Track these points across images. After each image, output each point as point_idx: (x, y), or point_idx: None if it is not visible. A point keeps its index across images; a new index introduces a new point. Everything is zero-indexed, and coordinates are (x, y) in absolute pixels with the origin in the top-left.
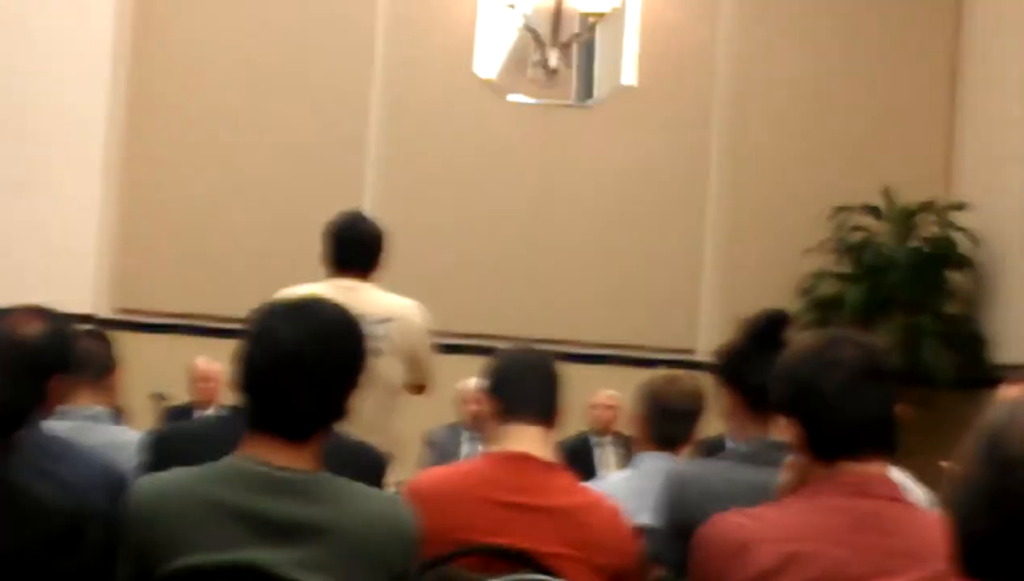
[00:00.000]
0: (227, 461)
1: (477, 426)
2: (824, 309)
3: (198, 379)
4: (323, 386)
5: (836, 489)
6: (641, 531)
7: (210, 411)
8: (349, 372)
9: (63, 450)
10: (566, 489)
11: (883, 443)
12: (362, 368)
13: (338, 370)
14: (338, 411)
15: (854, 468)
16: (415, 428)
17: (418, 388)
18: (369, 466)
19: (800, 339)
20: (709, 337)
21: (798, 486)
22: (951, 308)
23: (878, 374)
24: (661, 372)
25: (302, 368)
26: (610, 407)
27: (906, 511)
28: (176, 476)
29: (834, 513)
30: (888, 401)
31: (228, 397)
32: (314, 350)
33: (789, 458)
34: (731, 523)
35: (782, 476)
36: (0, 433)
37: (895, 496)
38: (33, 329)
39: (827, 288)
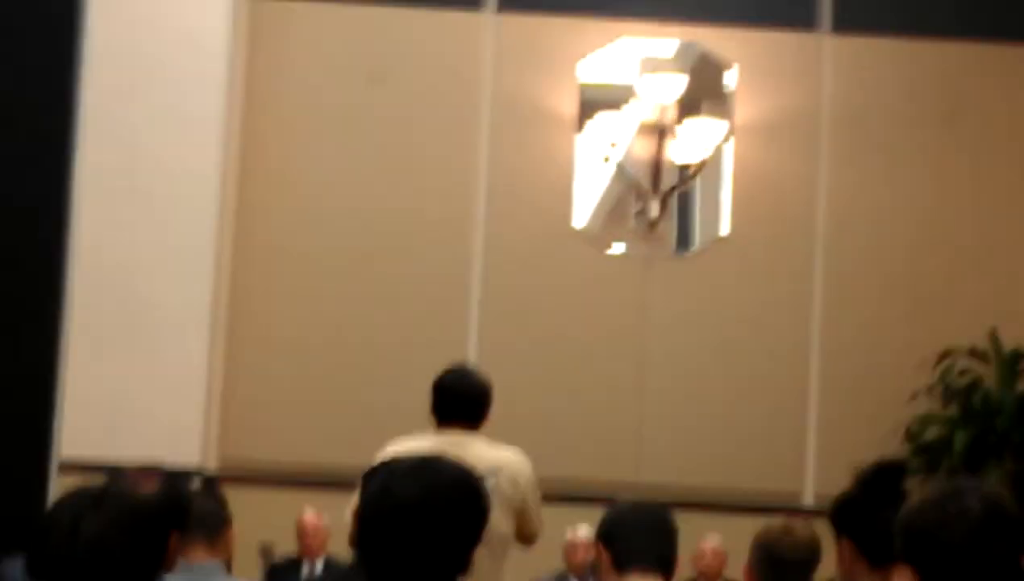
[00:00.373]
0: None
1: (585, 575)
2: (931, 454)
3: (305, 533)
4: (444, 544)
5: None
6: None
7: (318, 564)
8: (470, 531)
9: None
10: None
11: None
12: (483, 526)
13: (459, 530)
14: (459, 567)
15: None
16: (521, 579)
17: (527, 538)
18: None
19: (923, 489)
20: (816, 482)
21: None
22: None
23: (1003, 524)
24: (775, 521)
25: (423, 526)
26: (716, 554)
27: None
28: None
29: None
30: (1014, 550)
31: (337, 550)
32: (438, 509)
33: None
34: None
35: None
36: None
37: None
38: (151, 488)
39: (934, 433)
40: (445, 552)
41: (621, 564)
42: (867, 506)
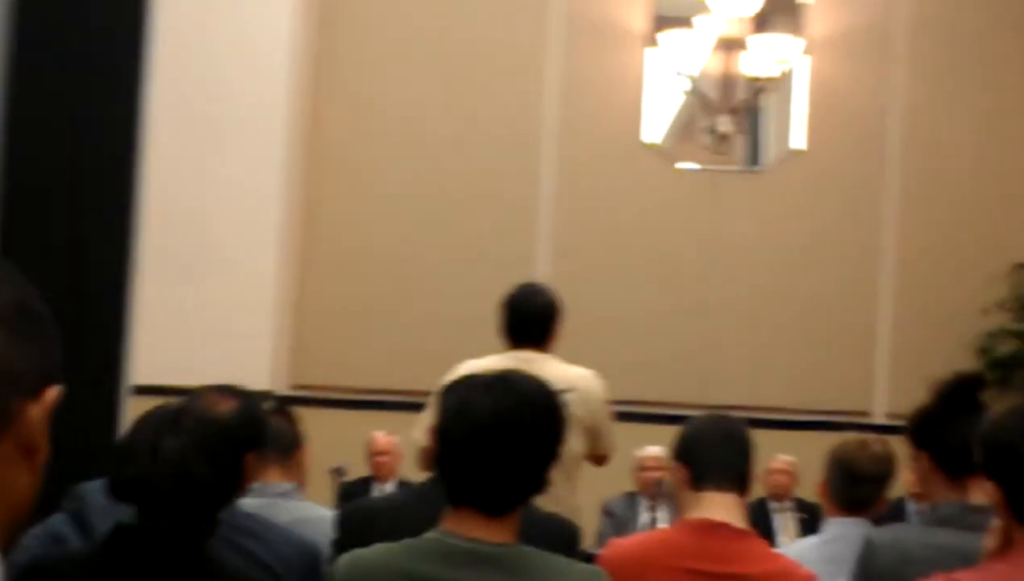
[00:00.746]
0: (428, 536)
1: (655, 494)
2: (1004, 369)
3: (377, 453)
4: (524, 460)
5: None
6: None
7: (389, 485)
8: (549, 445)
9: (261, 528)
10: (761, 556)
11: None
12: (562, 440)
13: (539, 444)
14: (538, 484)
15: None
16: (590, 498)
17: (599, 459)
18: (563, 538)
19: (1003, 402)
20: (885, 399)
21: (1002, 550)
22: None
23: None
24: (850, 436)
25: (505, 443)
26: (787, 472)
27: None
28: (378, 552)
29: None
30: None
31: (407, 471)
32: (516, 424)
33: (994, 522)
34: None
35: (986, 540)
36: (203, 511)
37: None
38: (227, 408)
39: (1006, 347)
40: (524, 468)
41: (697, 481)
42: (945, 419)
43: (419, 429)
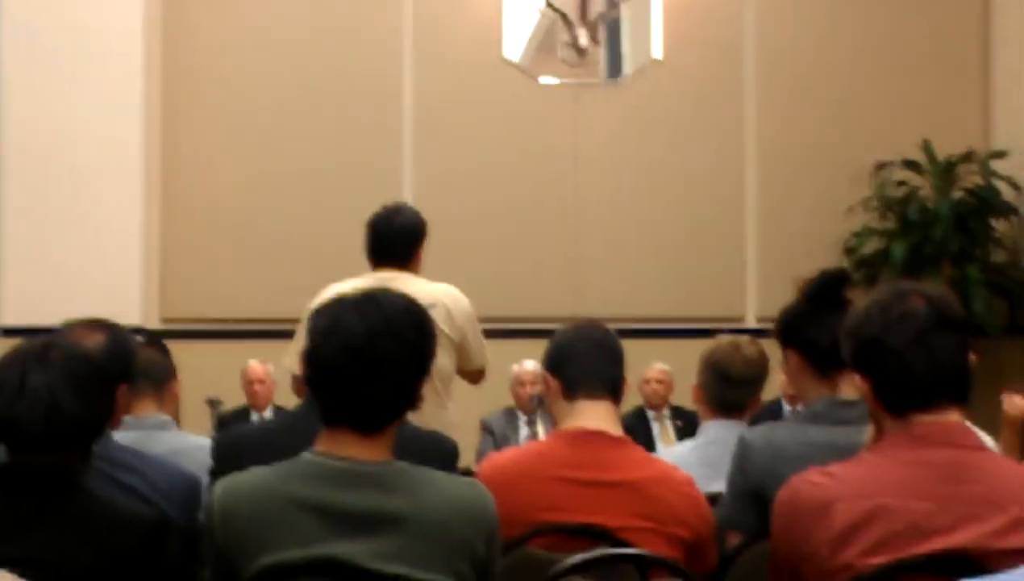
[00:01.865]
0: (304, 457)
1: (533, 409)
2: (870, 267)
3: (253, 382)
4: (396, 376)
5: (913, 442)
6: (713, 499)
7: (267, 413)
8: (420, 360)
9: (137, 460)
10: (638, 462)
11: (957, 393)
12: (432, 355)
13: (410, 359)
14: (410, 401)
15: (930, 419)
16: (470, 415)
17: (472, 374)
18: (441, 454)
19: (867, 295)
20: (757, 304)
21: (873, 440)
22: (997, 257)
23: (948, 324)
24: (723, 339)
25: (375, 359)
26: (663, 381)
27: (984, 459)
28: (254, 476)
29: (913, 466)
30: (960, 350)
31: (283, 398)
32: (386, 340)
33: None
34: (810, 483)
35: (868, 434)
36: (75, 446)
37: (974, 444)
38: (96, 341)
39: (871, 245)
40: (395, 384)
41: (570, 390)
42: (811, 316)
43: (290, 356)
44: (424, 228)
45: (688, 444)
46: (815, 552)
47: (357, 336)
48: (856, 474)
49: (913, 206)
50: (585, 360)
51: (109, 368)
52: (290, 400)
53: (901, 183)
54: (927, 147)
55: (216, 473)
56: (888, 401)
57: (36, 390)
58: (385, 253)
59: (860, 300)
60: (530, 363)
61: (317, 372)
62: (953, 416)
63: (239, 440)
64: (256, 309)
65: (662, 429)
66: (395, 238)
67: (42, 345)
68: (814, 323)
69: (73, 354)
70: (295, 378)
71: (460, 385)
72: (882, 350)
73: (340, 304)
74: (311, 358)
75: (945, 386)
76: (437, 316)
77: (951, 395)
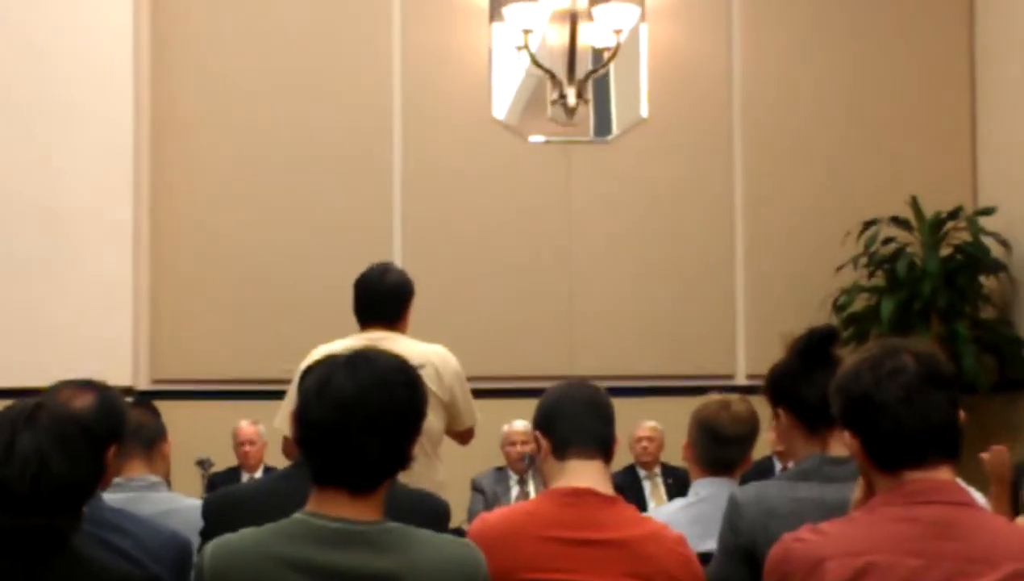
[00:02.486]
0: (295, 518)
1: (524, 468)
2: (859, 323)
3: (243, 442)
4: (388, 435)
5: (904, 499)
6: (705, 557)
7: (257, 474)
8: (412, 419)
9: (127, 522)
10: (629, 521)
11: (948, 449)
12: (423, 414)
13: (401, 417)
14: (402, 460)
15: (921, 476)
16: (460, 475)
17: (462, 435)
18: (433, 514)
19: (856, 352)
20: (747, 361)
21: (864, 498)
22: (986, 313)
23: (938, 381)
24: (712, 397)
25: (366, 417)
26: (653, 439)
27: (976, 515)
28: (245, 537)
29: (904, 523)
30: (950, 407)
31: (273, 459)
32: (377, 399)
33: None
34: (801, 541)
35: (855, 492)
36: (65, 508)
37: (965, 501)
38: (86, 402)
39: (861, 303)
40: (387, 443)
41: (560, 449)
42: (799, 374)
43: (280, 417)
44: (412, 287)
45: (679, 502)
46: None
47: (348, 394)
48: (847, 531)
49: (902, 263)
50: (575, 419)
51: (99, 429)
52: (281, 461)
53: (889, 240)
54: (915, 204)
55: (207, 534)
56: (878, 458)
57: (24, 452)
58: (374, 313)
59: (849, 357)
60: (520, 423)
61: (307, 431)
62: (944, 473)
63: (230, 501)
64: (246, 370)
65: (653, 487)
66: (384, 298)
67: (31, 407)
68: (803, 380)
69: (62, 416)
70: (286, 439)
71: (450, 444)
72: (872, 406)
73: (330, 363)
74: (301, 417)
75: (936, 442)
76: (426, 376)
77: (942, 451)
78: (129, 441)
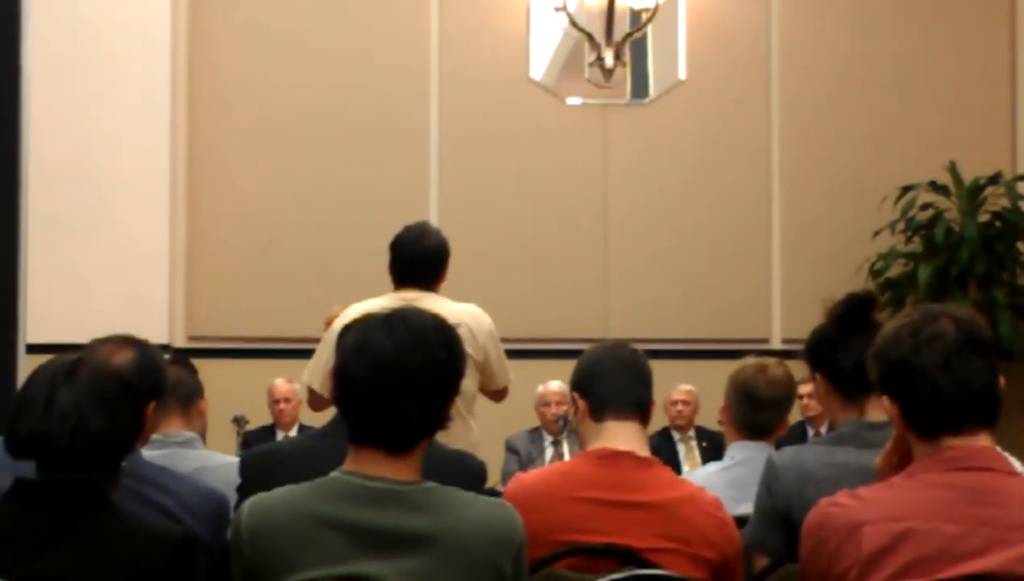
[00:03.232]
0: (332, 477)
1: (558, 429)
2: (895, 289)
3: (278, 400)
4: (425, 395)
5: (942, 465)
6: (740, 521)
7: (291, 432)
8: (449, 379)
9: (165, 477)
10: (665, 484)
11: (987, 416)
12: (461, 374)
13: (439, 378)
14: (439, 420)
15: (959, 443)
16: (494, 436)
17: (495, 394)
18: (469, 474)
19: (895, 317)
20: (783, 325)
21: (902, 464)
22: (1023, 280)
23: (978, 347)
24: (749, 361)
25: (404, 378)
26: (688, 402)
27: (1014, 482)
28: (282, 495)
29: (942, 489)
30: (989, 373)
31: (308, 417)
32: (415, 359)
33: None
34: (839, 506)
35: (878, 459)
36: (104, 463)
37: (1004, 468)
38: (125, 358)
39: (897, 268)
40: (425, 403)
41: (598, 411)
42: (837, 340)
43: (308, 373)
44: (448, 249)
45: (715, 466)
46: (843, 575)
47: (386, 354)
48: (885, 497)
49: (939, 229)
50: (613, 381)
51: (138, 385)
52: (315, 419)
53: (927, 205)
54: (953, 169)
55: (244, 491)
56: (917, 424)
57: (63, 407)
58: (411, 274)
59: (888, 323)
60: (555, 384)
61: (345, 390)
62: (983, 439)
63: (268, 458)
64: (282, 327)
65: (687, 450)
66: (422, 259)
67: (70, 362)
68: (840, 347)
69: (101, 371)
70: (312, 393)
71: (483, 404)
72: (911, 372)
73: (369, 322)
74: (339, 376)
75: (975, 409)
76: (462, 335)
77: (981, 418)
78: (167, 397)
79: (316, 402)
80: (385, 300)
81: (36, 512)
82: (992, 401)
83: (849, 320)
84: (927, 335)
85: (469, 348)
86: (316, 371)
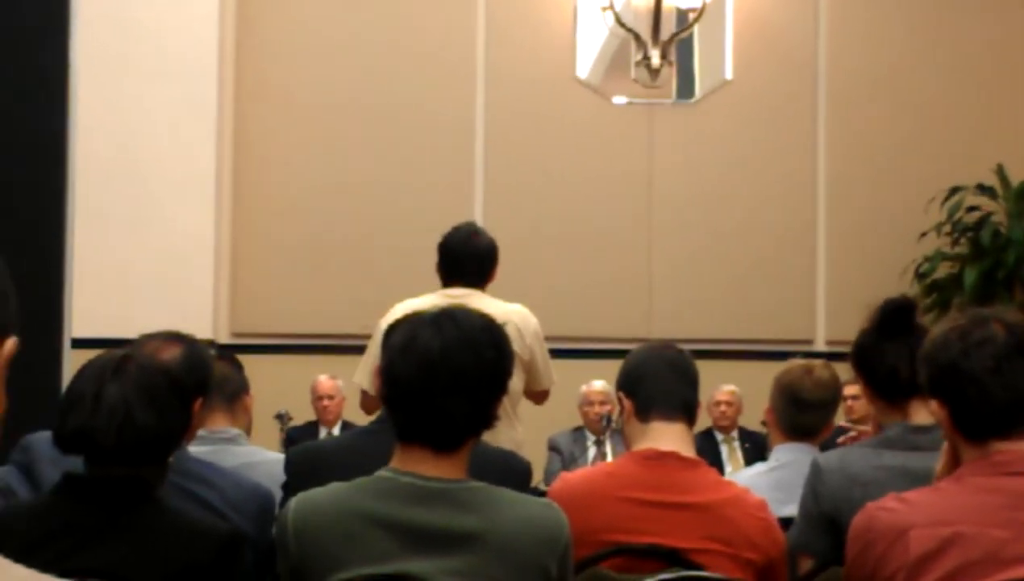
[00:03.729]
0: (379, 474)
1: (602, 428)
2: (941, 291)
3: (322, 397)
4: (473, 394)
5: (990, 469)
6: (785, 523)
7: (335, 429)
8: (496, 379)
9: (210, 473)
10: (711, 485)
11: None
12: (509, 374)
13: (486, 377)
14: (486, 419)
15: (1008, 447)
16: (537, 435)
17: (538, 395)
18: (514, 473)
19: (943, 320)
20: (827, 327)
21: (949, 468)
22: None
23: None
24: (795, 362)
25: (451, 376)
26: (731, 403)
27: None
28: (329, 492)
29: (990, 493)
30: None
31: (351, 414)
32: (463, 358)
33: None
34: (886, 509)
35: (938, 463)
36: (152, 459)
37: None
38: (173, 354)
39: (943, 270)
40: (472, 402)
41: (644, 411)
42: (875, 345)
43: (360, 372)
44: (497, 251)
45: (759, 467)
46: (890, 579)
47: (433, 352)
48: (932, 501)
49: (986, 231)
50: (659, 381)
51: (185, 381)
52: (358, 416)
53: (974, 208)
54: (1001, 172)
55: (289, 488)
56: (965, 427)
57: (111, 403)
58: (460, 272)
59: (937, 326)
60: (599, 383)
61: (392, 388)
62: None
63: (314, 455)
64: (326, 324)
65: (730, 451)
66: (473, 258)
67: (119, 358)
68: (877, 352)
69: (149, 367)
70: (364, 394)
71: (526, 404)
72: (961, 376)
73: (416, 320)
74: (387, 374)
75: (1022, 414)
76: (509, 334)
77: None
78: (213, 394)
79: (368, 403)
80: (434, 298)
81: (83, 507)
82: None
83: (888, 326)
84: (976, 339)
85: (516, 347)
86: (366, 371)
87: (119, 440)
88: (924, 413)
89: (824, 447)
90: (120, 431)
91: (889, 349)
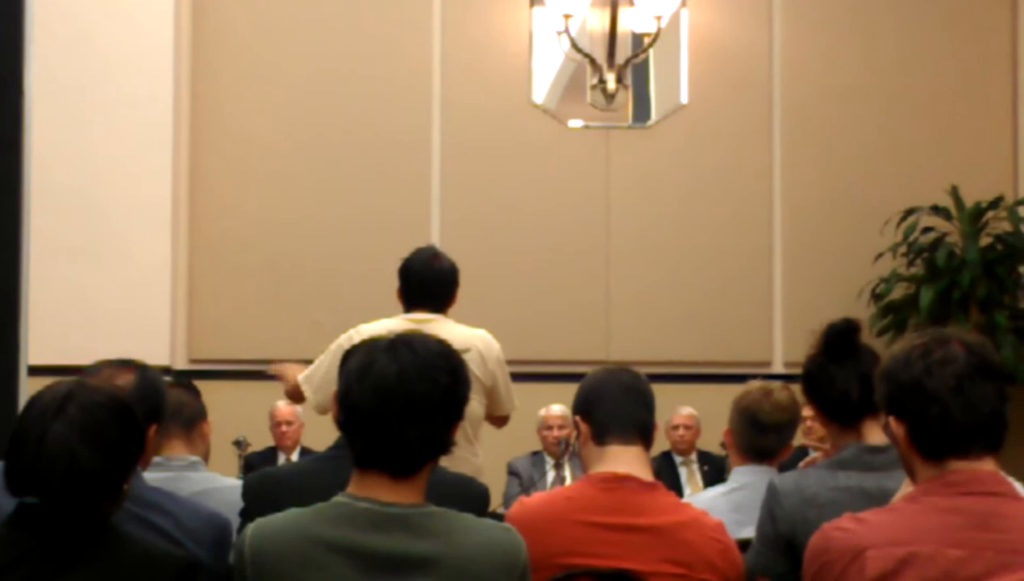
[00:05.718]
0: (336, 500)
1: (560, 452)
2: (898, 312)
3: (280, 423)
4: (429, 420)
5: (947, 489)
6: (743, 545)
7: (293, 455)
8: (453, 405)
9: (167, 501)
10: (668, 507)
11: (993, 441)
12: (465, 400)
13: (442, 403)
14: (443, 445)
15: (965, 466)
16: (496, 459)
17: (499, 420)
18: (472, 498)
19: (904, 339)
20: (784, 349)
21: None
22: None
23: (988, 371)
24: (754, 384)
25: (408, 402)
26: (690, 426)
27: (1018, 507)
28: (286, 518)
29: (947, 513)
30: (998, 398)
31: (310, 440)
32: (419, 383)
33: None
34: (842, 530)
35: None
36: (106, 487)
37: (1007, 492)
38: (126, 381)
39: (899, 292)
40: (429, 428)
41: (600, 434)
42: (821, 369)
43: (305, 373)
44: (458, 274)
45: (718, 489)
46: None
47: (390, 378)
48: (889, 521)
49: (941, 252)
50: (615, 404)
51: (139, 408)
52: (317, 442)
53: (929, 229)
54: (955, 193)
55: (247, 515)
56: (923, 446)
57: (54, 448)
58: (422, 297)
59: (897, 344)
60: (557, 407)
61: (349, 414)
62: (988, 464)
63: (271, 481)
64: (284, 350)
65: (689, 474)
66: (434, 282)
67: (63, 395)
68: (825, 375)
69: (91, 405)
70: (296, 388)
71: (485, 427)
72: (922, 394)
73: (373, 346)
74: (343, 400)
75: (982, 434)
76: (470, 360)
77: (987, 443)
78: (169, 421)
79: (295, 395)
80: (397, 321)
81: (39, 537)
82: (1000, 426)
83: (833, 350)
84: (939, 358)
85: (478, 372)
86: (314, 376)
87: (66, 483)
88: (878, 433)
89: (783, 468)
90: (66, 475)
91: (838, 374)
